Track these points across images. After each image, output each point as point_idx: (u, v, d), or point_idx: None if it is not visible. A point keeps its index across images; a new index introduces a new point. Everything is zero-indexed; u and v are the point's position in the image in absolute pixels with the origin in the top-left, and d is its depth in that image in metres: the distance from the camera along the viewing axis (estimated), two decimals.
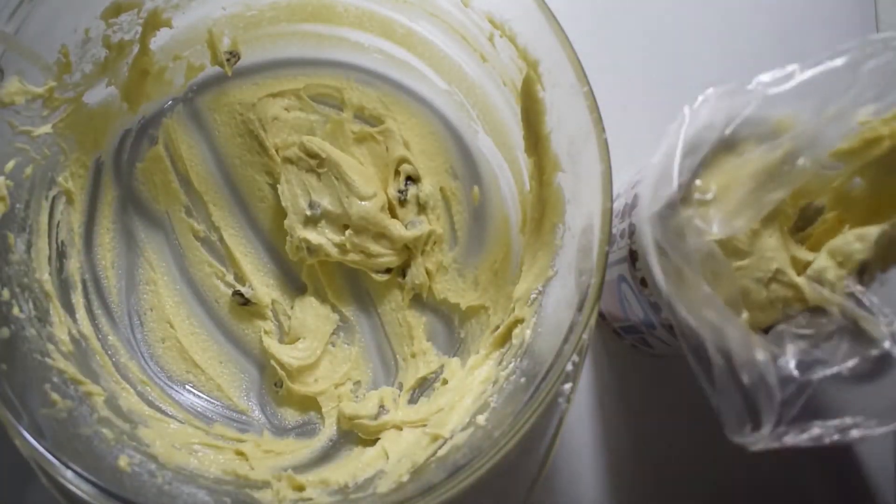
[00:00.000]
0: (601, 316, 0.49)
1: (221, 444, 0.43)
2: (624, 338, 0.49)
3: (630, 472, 0.49)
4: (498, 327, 0.45)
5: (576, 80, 0.38)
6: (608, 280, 0.45)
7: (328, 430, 0.45)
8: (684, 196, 0.37)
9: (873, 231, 0.35)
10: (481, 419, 0.39)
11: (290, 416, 0.46)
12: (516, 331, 0.43)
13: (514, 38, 0.42)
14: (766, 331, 0.37)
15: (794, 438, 0.34)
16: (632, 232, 0.41)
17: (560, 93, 0.40)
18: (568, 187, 0.41)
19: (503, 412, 0.38)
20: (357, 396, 0.47)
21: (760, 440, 0.34)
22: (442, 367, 0.47)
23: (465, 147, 0.50)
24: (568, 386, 0.37)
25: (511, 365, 0.41)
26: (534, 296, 0.42)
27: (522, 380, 0.39)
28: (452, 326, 0.48)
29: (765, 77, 0.36)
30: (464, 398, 0.42)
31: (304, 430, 0.46)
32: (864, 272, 0.36)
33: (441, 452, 0.39)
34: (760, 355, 0.34)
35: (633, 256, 0.41)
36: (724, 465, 0.48)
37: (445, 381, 0.46)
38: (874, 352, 0.34)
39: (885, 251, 0.35)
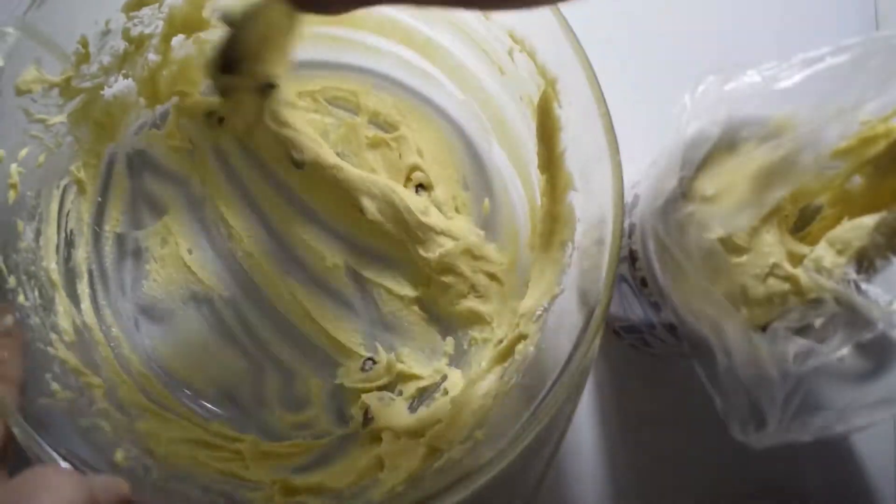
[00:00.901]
0: None
1: (219, 442, 0.43)
2: (624, 338, 0.49)
3: (630, 471, 0.49)
4: (501, 341, 0.45)
5: (594, 101, 0.38)
6: None
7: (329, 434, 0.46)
8: (686, 191, 0.37)
9: (871, 219, 0.36)
10: (479, 434, 0.39)
11: (289, 419, 0.46)
12: (519, 346, 0.43)
13: (534, 54, 0.42)
14: (763, 329, 0.37)
15: (798, 434, 0.34)
16: (632, 232, 0.41)
17: (577, 111, 0.39)
18: (579, 205, 0.41)
19: (502, 428, 0.38)
20: None
21: (766, 438, 0.35)
22: (444, 377, 0.47)
23: (479, 158, 0.50)
24: (569, 406, 0.37)
25: (513, 381, 0.41)
26: (539, 312, 0.42)
27: (523, 396, 0.38)
28: (456, 337, 0.48)
29: (766, 68, 0.36)
30: (463, 412, 0.42)
31: (303, 434, 0.46)
32: (863, 262, 0.36)
33: (438, 464, 0.39)
34: (760, 352, 0.34)
35: (633, 256, 0.41)
36: (724, 464, 0.48)
37: (446, 392, 0.46)
38: (869, 335, 0.35)
39: (886, 239, 0.36)
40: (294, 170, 0.48)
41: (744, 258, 0.37)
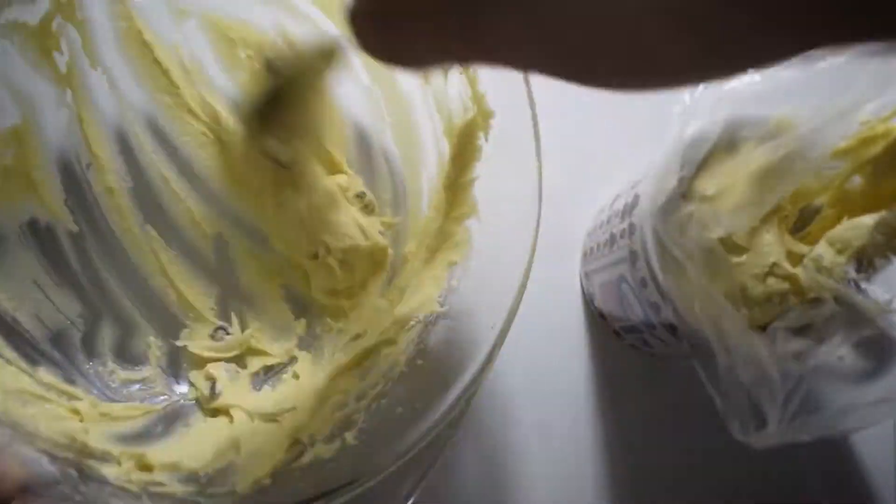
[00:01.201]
0: (601, 316, 0.49)
1: (53, 396, 0.39)
2: (624, 338, 0.49)
3: (630, 471, 0.50)
4: (358, 336, 0.46)
5: (533, 153, 0.39)
6: (608, 280, 0.46)
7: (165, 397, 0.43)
8: (686, 191, 0.38)
9: (871, 218, 0.37)
10: (350, 437, 0.40)
11: (122, 375, 0.43)
12: (386, 351, 0.44)
13: (475, 81, 0.42)
14: (763, 329, 0.38)
15: (798, 434, 0.35)
16: (632, 232, 0.42)
17: (508, 157, 0.41)
18: (479, 238, 0.42)
19: (377, 437, 0.39)
20: None
21: (766, 438, 0.35)
22: (293, 359, 0.46)
23: (368, 146, 0.49)
24: (450, 432, 0.39)
25: (379, 386, 0.42)
26: (413, 323, 0.44)
27: (399, 409, 0.40)
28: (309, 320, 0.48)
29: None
30: (322, 405, 0.42)
31: (138, 394, 0.43)
32: (863, 261, 0.37)
33: (304, 460, 0.39)
34: (760, 352, 0.35)
35: (634, 256, 0.42)
36: (724, 464, 0.50)
37: (297, 376, 0.45)
38: (869, 334, 0.36)
39: (886, 238, 0.37)
40: None
41: (743, 258, 0.37)
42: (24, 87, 0.41)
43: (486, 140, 0.42)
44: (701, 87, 0.38)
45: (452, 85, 0.43)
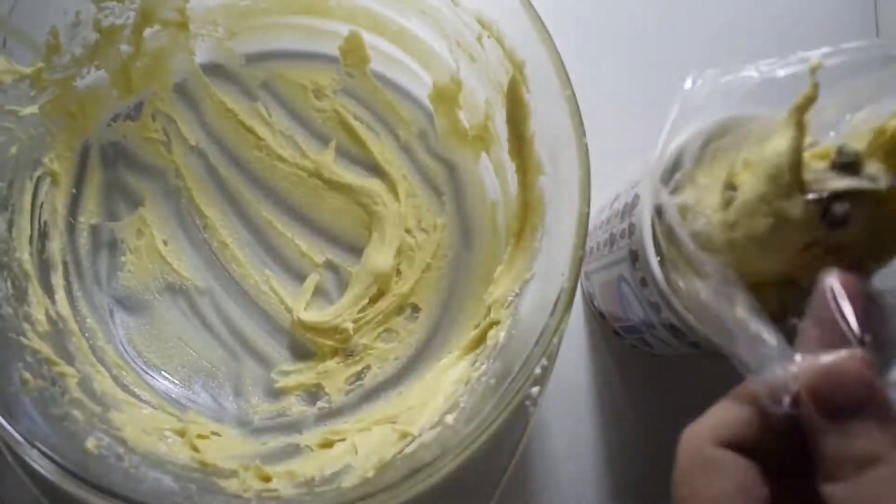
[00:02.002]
0: (601, 316, 0.49)
1: (195, 431, 0.43)
2: (624, 338, 0.49)
3: (629, 471, 0.49)
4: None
5: (559, 85, 0.38)
6: (608, 280, 0.45)
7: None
8: (684, 188, 0.37)
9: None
10: (450, 419, 0.39)
11: (265, 408, 0.46)
12: (491, 332, 0.43)
13: (502, 39, 0.41)
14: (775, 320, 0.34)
15: None
16: (632, 232, 0.41)
17: (544, 96, 0.39)
18: (549, 191, 0.41)
19: (471, 412, 0.38)
20: None
21: None
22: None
23: None
24: (536, 389, 0.37)
25: (483, 366, 0.41)
26: (510, 298, 0.42)
27: (493, 381, 0.38)
28: None
29: (764, 65, 0.36)
30: (435, 397, 0.42)
31: (276, 427, 0.46)
32: (861, 267, 0.35)
33: (409, 450, 0.39)
34: (768, 340, 0.32)
35: (634, 256, 0.40)
36: None
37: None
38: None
39: (880, 241, 0.34)
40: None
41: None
42: (140, 178, 0.49)
43: (529, 91, 0.41)
44: (699, 82, 0.36)
45: (490, 53, 0.43)
